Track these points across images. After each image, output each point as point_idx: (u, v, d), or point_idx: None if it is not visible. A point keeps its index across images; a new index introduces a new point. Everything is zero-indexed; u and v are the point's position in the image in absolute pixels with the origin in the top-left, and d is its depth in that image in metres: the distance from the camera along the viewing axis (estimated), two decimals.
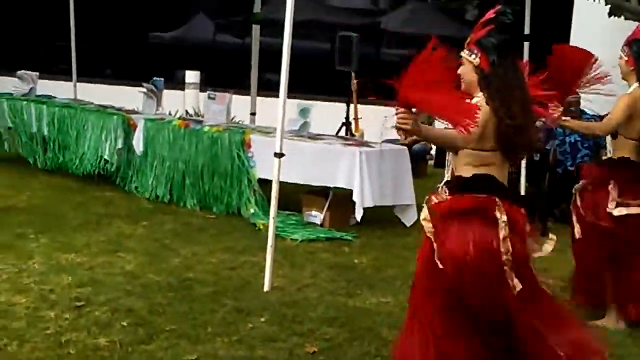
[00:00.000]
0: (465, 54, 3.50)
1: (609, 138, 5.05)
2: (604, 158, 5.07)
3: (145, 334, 4.20)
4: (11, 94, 9.13)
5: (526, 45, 7.91)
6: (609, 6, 7.26)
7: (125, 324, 4.33)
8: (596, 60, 4.54)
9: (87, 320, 4.37)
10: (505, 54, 3.51)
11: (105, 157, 8.09)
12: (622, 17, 7.26)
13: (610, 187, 4.81)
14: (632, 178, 4.81)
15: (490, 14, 3.52)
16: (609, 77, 4.65)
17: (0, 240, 5.89)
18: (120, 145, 8.04)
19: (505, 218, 3.31)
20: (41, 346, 3.97)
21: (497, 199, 3.33)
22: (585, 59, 4.56)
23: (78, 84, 10.46)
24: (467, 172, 3.45)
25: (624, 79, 4.90)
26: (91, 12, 11.16)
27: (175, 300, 4.79)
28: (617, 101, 4.81)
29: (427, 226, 3.48)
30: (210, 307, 4.70)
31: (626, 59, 4.87)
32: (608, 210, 4.79)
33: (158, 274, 5.33)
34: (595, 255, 4.89)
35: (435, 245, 3.39)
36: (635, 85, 4.81)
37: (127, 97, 9.27)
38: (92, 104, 8.96)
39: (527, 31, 8.01)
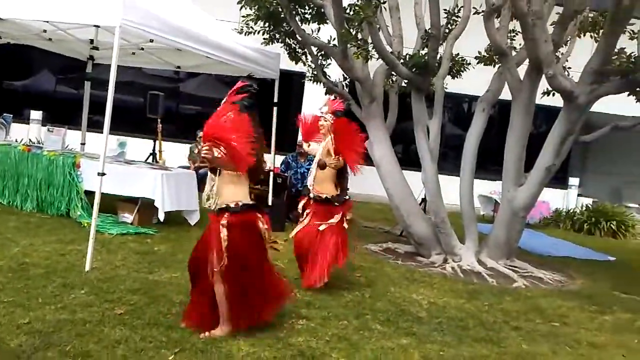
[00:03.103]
0: None
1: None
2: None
3: None
4: None
5: (275, 108, 8.12)
6: (326, 88, 7.66)
7: None
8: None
9: None
10: (252, 111, 3.62)
11: None
12: (334, 95, 7.68)
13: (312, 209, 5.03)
14: (322, 209, 5.00)
15: (240, 84, 3.58)
16: None
17: None
18: None
19: None
20: None
21: None
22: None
23: None
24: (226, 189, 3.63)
25: (324, 133, 5.00)
26: None
27: (13, 279, 4.24)
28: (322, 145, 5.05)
29: None
30: (42, 283, 4.22)
31: (330, 121, 5.02)
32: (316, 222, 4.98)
33: (0, 259, 4.69)
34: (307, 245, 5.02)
35: None
36: (330, 136, 4.97)
37: None
38: None
39: (275, 99, 8.21)
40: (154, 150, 9.55)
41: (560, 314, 5.16)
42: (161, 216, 6.45)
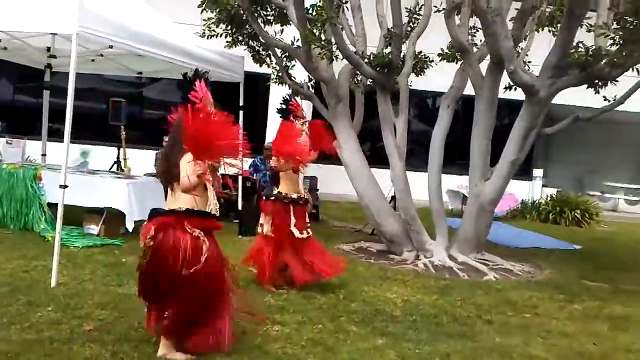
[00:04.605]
0: None
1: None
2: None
3: None
4: None
5: (241, 112, 8.03)
6: (291, 90, 7.59)
7: None
8: None
9: None
10: None
11: None
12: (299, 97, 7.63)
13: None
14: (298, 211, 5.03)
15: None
16: None
17: None
18: None
19: None
20: None
21: None
22: None
23: None
24: None
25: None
26: None
27: None
28: None
29: None
30: (6, 303, 4.07)
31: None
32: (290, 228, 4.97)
33: None
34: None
35: None
36: None
37: None
38: None
39: (242, 103, 8.13)
40: (118, 158, 9.36)
41: (531, 305, 5.25)
42: (130, 226, 6.32)
